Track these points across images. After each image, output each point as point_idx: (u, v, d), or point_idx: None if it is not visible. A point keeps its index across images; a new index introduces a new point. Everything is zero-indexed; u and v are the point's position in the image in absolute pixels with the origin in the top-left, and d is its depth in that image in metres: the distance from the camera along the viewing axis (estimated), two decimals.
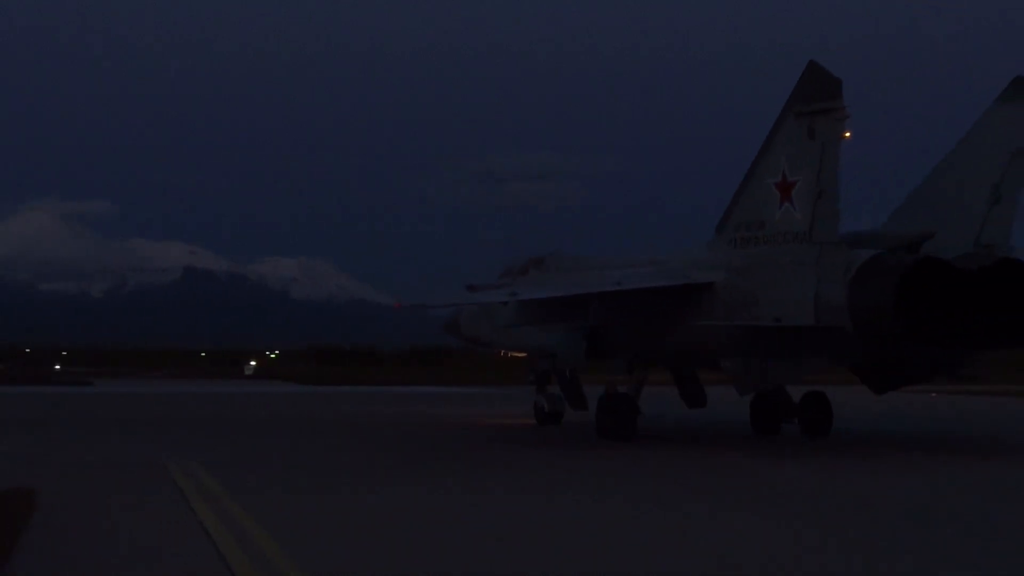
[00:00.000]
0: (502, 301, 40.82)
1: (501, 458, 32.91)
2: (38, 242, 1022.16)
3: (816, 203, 33.41)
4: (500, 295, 40.93)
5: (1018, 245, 35.06)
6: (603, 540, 18.98)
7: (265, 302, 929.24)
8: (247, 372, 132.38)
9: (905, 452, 35.05)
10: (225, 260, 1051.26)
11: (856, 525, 20.58)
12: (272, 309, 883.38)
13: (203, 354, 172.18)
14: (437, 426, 44.80)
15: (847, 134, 33.15)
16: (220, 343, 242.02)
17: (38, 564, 16.86)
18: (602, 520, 21.32)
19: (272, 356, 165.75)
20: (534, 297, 39.31)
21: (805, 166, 33.56)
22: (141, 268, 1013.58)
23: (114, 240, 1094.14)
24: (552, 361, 43.28)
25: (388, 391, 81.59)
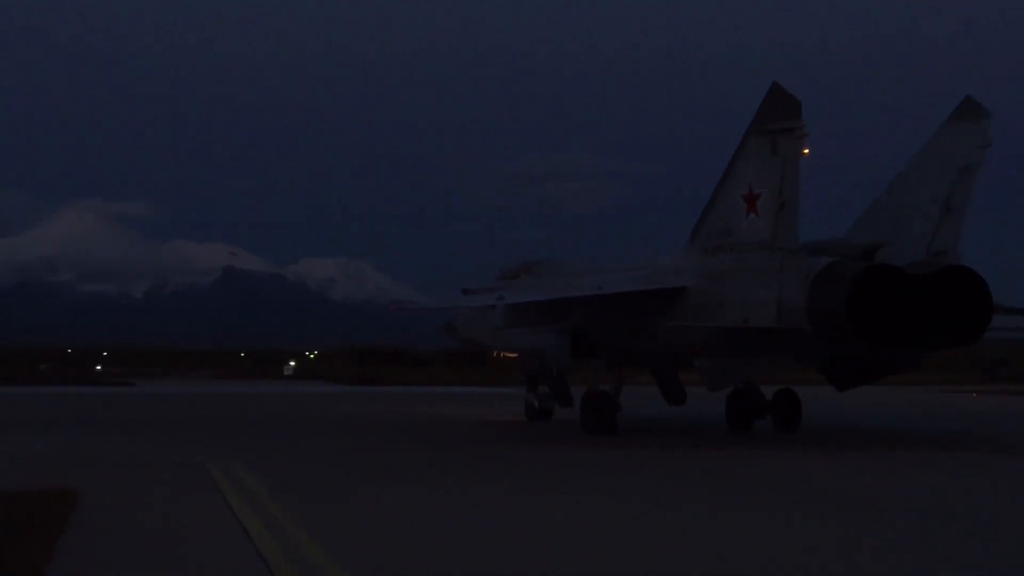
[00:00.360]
0: (491, 304, 43.84)
1: (499, 457, 33.75)
2: (79, 243, 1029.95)
3: (778, 214, 36.00)
4: (489, 299, 43.79)
5: (966, 253, 37.82)
6: (603, 540, 19.19)
7: (305, 303, 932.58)
8: (287, 372, 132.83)
9: (905, 451, 36.03)
10: (265, 261, 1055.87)
11: (857, 524, 20.83)
12: (311, 310, 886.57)
13: (243, 354, 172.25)
14: (436, 425, 46.21)
15: (806, 151, 35.77)
16: (260, 343, 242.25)
17: (78, 564, 16.99)
18: (602, 520, 21.60)
19: (311, 356, 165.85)
20: (520, 301, 42.44)
21: (768, 180, 36.17)
22: (182, 269, 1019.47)
23: (155, 241, 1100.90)
24: (540, 361, 45.67)
25: (425, 391, 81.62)
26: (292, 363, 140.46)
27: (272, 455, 33.85)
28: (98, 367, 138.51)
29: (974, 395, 75.54)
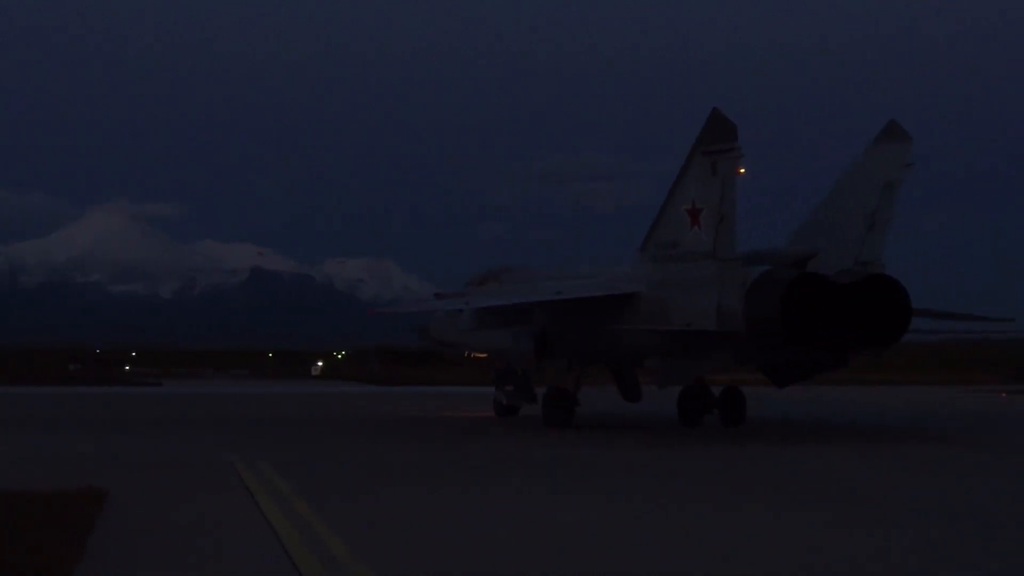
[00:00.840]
0: (458, 309, 47.89)
1: (499, 457, 34.10)
2: (108, 244, 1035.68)
3: (718, 227, 39.28)
4: (456, 303, 47.98)
5: (889, 262, 41.37)
6: (604, 540, 19.28)
7: (332, 303, 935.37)
8: (314, 372, 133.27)
9: (908, 450, 36.53)
10: (292, 261, 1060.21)
11: (859, 524, 20.98)
12: (339, 310, 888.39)
13: (271, 355, 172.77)
14: (441, 425, 47.15)
15: (742, 170, 39.19)
16: (288, 344, 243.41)
17: (107, 563, 17.14)
18: (603, 519, 21.71)
19: (339, 356, 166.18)
20: (486, 305, 46.19)
21: (709, 196, 39.47)
22: (210, 269, 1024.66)
23: (183, 242, 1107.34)
24: (507, 361, 48.92)
25: (449, 391, 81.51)
26: (320, 363, 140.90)
27: (297, 454, 34.21)
28: (127, 367, 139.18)
29: (1003, 394, 75.32)
